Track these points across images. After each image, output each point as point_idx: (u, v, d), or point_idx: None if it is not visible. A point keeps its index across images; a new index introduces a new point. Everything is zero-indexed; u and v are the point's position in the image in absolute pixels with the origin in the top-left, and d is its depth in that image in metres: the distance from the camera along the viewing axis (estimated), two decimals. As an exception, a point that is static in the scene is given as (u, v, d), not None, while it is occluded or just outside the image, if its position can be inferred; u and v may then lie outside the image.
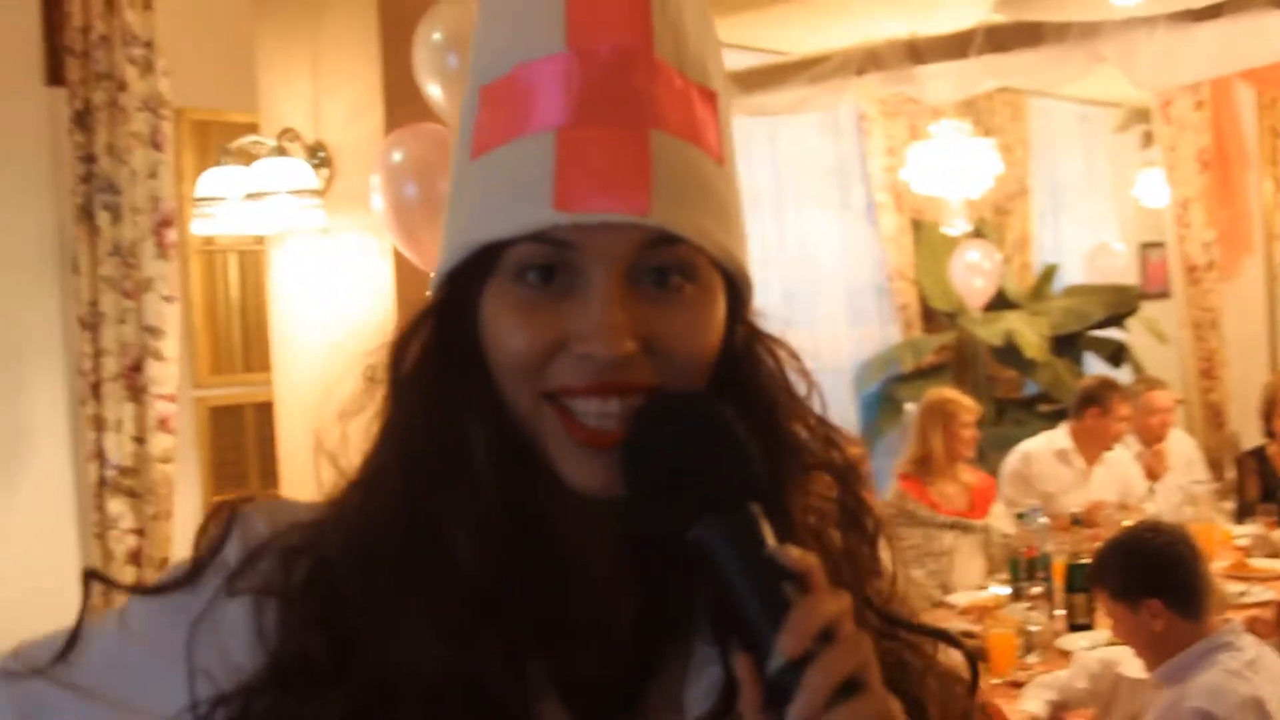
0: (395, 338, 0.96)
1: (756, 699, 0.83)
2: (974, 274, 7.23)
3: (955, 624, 4.21)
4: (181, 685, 0.92)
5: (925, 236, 7.56)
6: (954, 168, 6.61)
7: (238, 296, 5.09)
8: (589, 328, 0.88)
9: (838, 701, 0.81)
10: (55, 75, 4.46)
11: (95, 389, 4.44)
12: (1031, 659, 3.96)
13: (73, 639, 0.96)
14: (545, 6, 0.92)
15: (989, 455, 6.43)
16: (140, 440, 4.43)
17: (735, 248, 0.94)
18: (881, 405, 7.35)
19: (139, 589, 0.99)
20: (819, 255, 7.40)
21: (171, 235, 4.39)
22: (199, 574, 0.95)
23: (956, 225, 6.96)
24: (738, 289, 0.96)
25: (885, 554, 1.02)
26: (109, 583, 1.05)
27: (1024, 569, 4.45)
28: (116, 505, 4.43)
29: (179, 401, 4.53)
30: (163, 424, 4.44)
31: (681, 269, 0.91)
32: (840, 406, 7.31)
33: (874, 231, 7.54)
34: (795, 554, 0.84)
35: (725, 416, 0.89)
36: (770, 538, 0.86)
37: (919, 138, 6.99)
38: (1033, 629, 4.07)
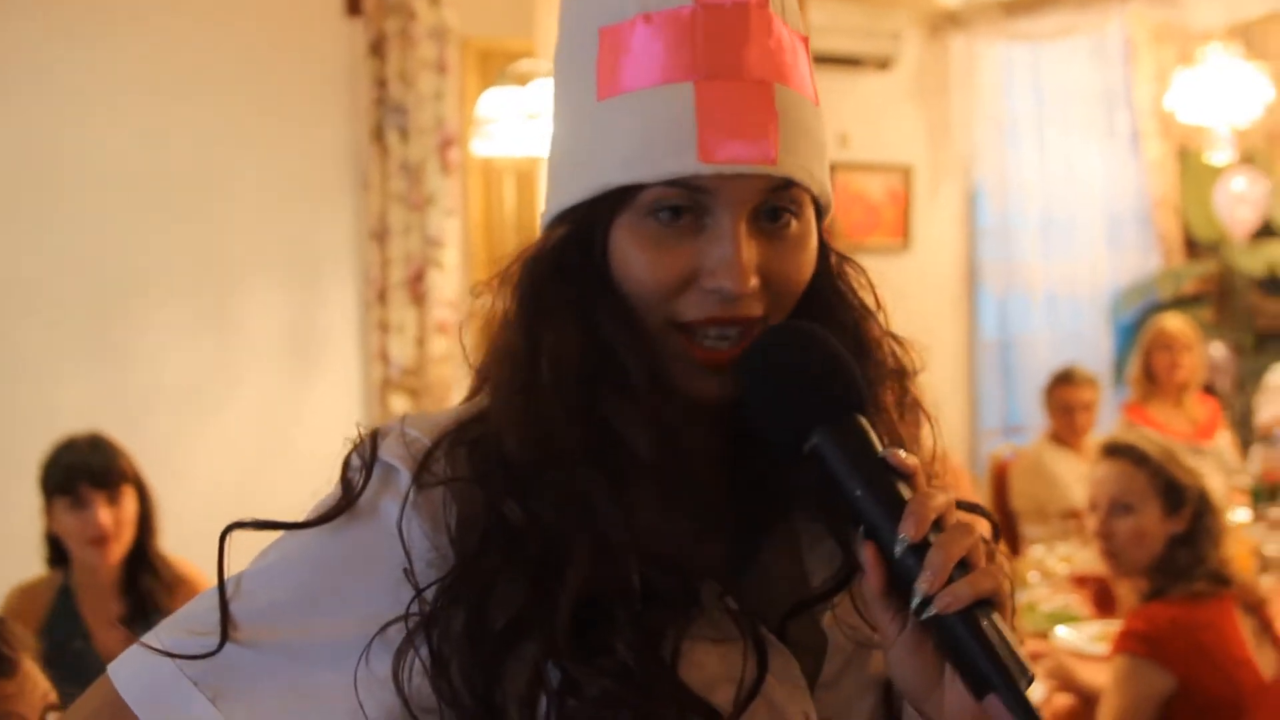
0: (531, 257, 1.05)
1: (881, 581, 0.95)
2: (1239, 203, 7.06)
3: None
4: (370, 595, 1.00)
5: (1190, 165, 7.43)
6: (1222, 95, 6.47)
7: (513, 211, 5.28)
8: (721, 265, 0.99)
9: (956, 576, 0.93)
10: (353, 7, 4.81)
11: (382, 295, 4.83)
12: (1266, 580, 4.01)
13: (224, 604, 1.01)
14: None
15: (1247, 385, 6.38)
16: (421, 343, 4.84)
17: (826, 181, 1.06)
18: (1137, 334, 7.29)
19: (296, 525, 1.04)
20: (1080, 182, 7.35)
21: (453, 154, 4.75)
22: (355, 496, 1.02)
23: (1222, 154, 6.83)
24: (820, 210, 1.07)
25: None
26: (257, 526, 1.05)
27: (1265, 493, 4.49)
28: (398, 402, 4.82)
29: (456, 308, 4.87)
30: (441, 328, 4.81)
31: (792, 208, 1.02)
32: (1094, 334, 7.30)
33: (1137, 159, 7.45)
34: (902, 454, 0.97)
35: (831, 343, 1.01)
36: (878, 442, 0.99)
37: (1189, 64, 6.86)
38: (1269, 551, 4.12)
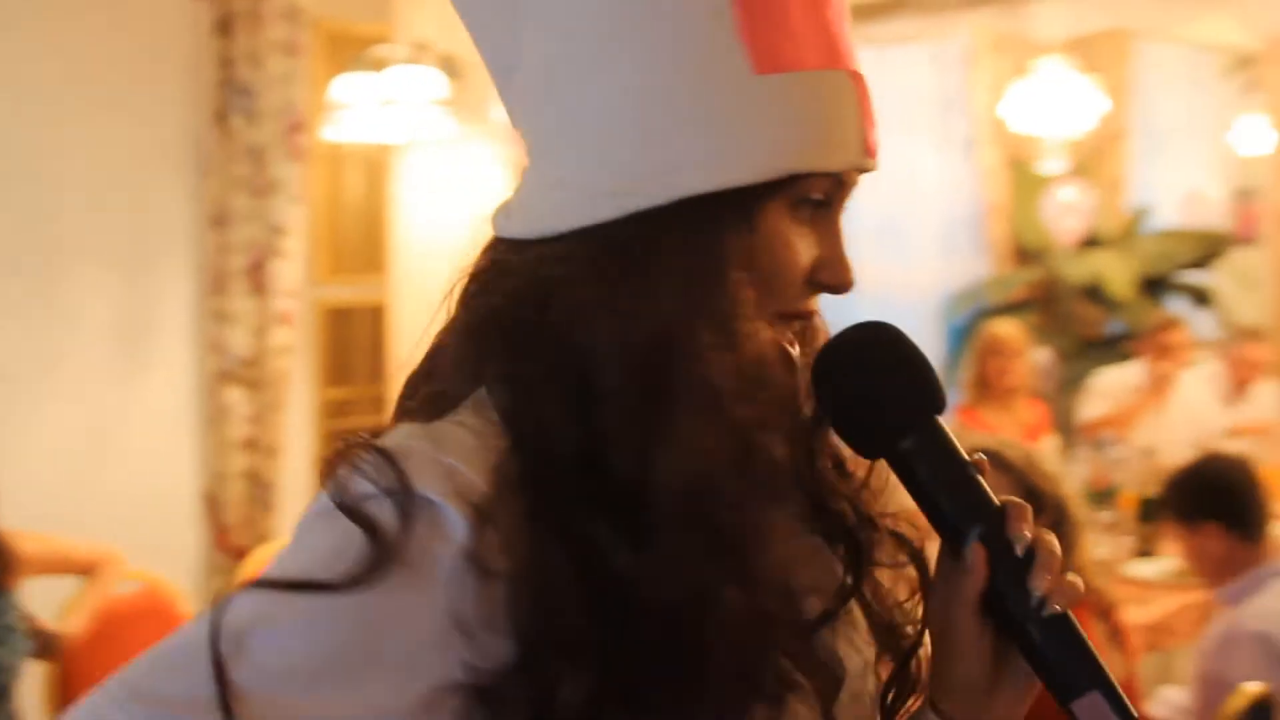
0: (688, 247, 0.91)
1: (982, 583, 0.93)
2: (1066, 213, 7.27)
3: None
4: (418, 658, 0.84)
5: (1021, 173, 7.62)
6: (1054, 106, 6.62)
7: (359, 199, 5.11)
8: (839, 260, 0.96)
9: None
10: (200, -17, 4.67)
11: (219, 283, 4.68)
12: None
13: (222, 675, 0.82)
14: None
15: (1067, 390, 6.58)
16: (260, 333, 4.69)
17: None
18: (967, 338, 7.44)
19: (328, 586, 0.83)
20: (915, 187, 7.50)
21: (302, 139, 4.62)
22: (395, 544, 0.84)
23: (1053, 164, 7.00)
24: None
25: None
26: (279, 587, 0.84)
27: (1096, 497, 4.63)
28: (234, 394, 4.68)
29: (299, 297, 4.75)
30: (283, 319, 4.68)
31: None
32: (927, 337, 7.44)
33: (971, 166, 7.62)
34: (980, 455, 0.97)
35: (912, 342, 0.98)
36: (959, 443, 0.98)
37: (1025, 75, 7.01)
38: (1100, 555, 4.23)
